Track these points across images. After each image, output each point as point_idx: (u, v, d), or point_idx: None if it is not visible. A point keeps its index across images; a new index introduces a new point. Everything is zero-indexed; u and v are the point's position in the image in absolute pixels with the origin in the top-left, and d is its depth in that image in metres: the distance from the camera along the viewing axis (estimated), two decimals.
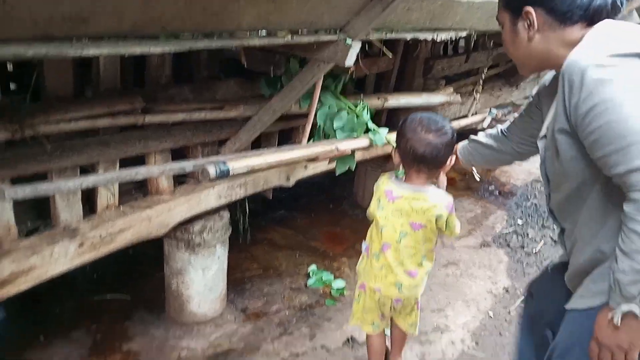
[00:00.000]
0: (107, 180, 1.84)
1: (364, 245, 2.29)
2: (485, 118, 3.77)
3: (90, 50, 1.36)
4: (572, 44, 1.42)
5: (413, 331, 2.38)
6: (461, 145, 2.20)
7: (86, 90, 2.11)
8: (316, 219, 4.21)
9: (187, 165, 1.93)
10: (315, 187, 4.80)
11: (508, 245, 4.01)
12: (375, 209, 2.15)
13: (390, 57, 2.88)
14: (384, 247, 2.13)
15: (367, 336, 2.44)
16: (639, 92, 1.27)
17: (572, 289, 1.62)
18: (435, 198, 2.05)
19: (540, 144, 1.61)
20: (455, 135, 2.06)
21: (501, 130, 2.04)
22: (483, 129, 4.55)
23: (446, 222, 2.07)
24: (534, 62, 1.55)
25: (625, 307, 1.33)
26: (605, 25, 1.43)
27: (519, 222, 4.40)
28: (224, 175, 1.91)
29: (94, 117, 1.97)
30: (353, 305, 2.40)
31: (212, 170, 1.86)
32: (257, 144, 2.97)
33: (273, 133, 2.95)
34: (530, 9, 1.45)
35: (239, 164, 1.99)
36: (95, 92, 2.13)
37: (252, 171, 2.11)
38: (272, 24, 1.86)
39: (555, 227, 1.72)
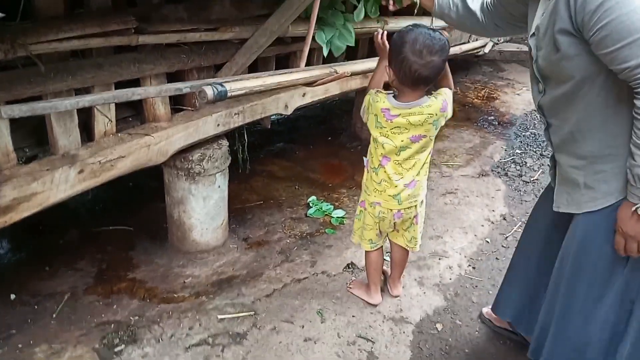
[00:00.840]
0: (104, 100, 1.80)
1: (365, 160, 2.29)
2: (487, 43, 3.68)
3: None
4: None
5: (413, 246, 2.42)
6: None
7: (77, 9, 2.02)
8: (315, 151, 4.20)
9: (183, 86, 1.89)
10: (313, 119, 4.76)
11: (506, 174, 4.03)
12: (372, 126, 2.13)
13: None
14: (383, 161, 2.15)
15: (366, 253, 2.50)
16: None
17: (567, 185, 1.68)
18: (429, 107, 2.03)
19: (531, 41, 1.60)
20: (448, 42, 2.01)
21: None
22: (484, 56, 4.49)
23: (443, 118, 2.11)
24: None
25: None
26: None
27: (518, 151, 4.39)
28: (221, 96, 1.86)
29: (87, 37, 1.90)
30: (354, 223, 2.48)
31: (209, 92, 1.82)
32: (254, 70, 2.91)
33: (270, 58, 2.88)
34: None
35: (236, 85, 1.94)
36: (87, 10, 2.04)
37: (248, 99, 2.06)
38: None
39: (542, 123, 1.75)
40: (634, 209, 1.47)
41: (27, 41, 1.75)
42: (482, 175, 4.00)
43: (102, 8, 2.03)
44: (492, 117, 4.99)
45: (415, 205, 2.27)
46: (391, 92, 2.12)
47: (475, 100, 5.37)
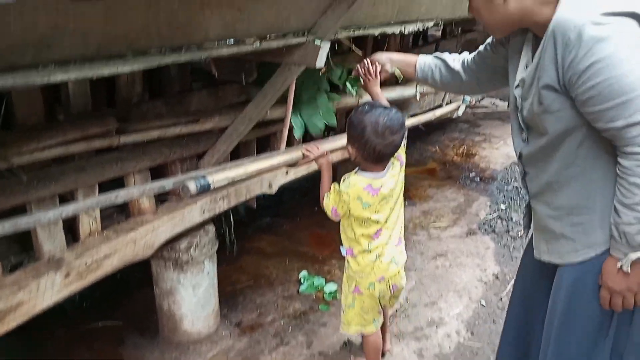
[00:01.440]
0: (87, 207, 1.80)
1: (343, 250, 2.28)
2: (459, 106, 3.80)
3: (58, 76, 1.33)
4: (549, 2, 1.44)
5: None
6: (423, 59, 2.11)
7: (58, 115, 2.06)
8: (302, 223, 4.19)
9: (167, 183, 1.91)
10: (297, 190, 4.78)
11: (494, 231, 4.05)
12: (358, 211, 2.12)
13: (360, 54, 2.87)
14: (376, 235, 2.15)
15: (367, 337, 2.42)
16: (637, 49, 1.33)
17: (544, 234, 1.69)
18: (395, 167, 2.17)
19: (516, 92, 1.63)
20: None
21: (467, 60, 2.02)
22: (459, 117, 4.62)
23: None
24: (510, 24, 1.54)
25: (634, 256, 1.43)
26: None
27: (502, 206, 4.44)
28: (205, 189, 1.88)
29: (68, 143, 1.92)
30: (346, 314, 2.38)
31: (192, 186, 1.84)
32: (236, 154, 2.95)
33: (251, 141, 2.93)
34: None
35: (219, 176, 1.97)
36: (67, 115, 2.08)
37: (232, 182, 2.08)
38: (239, 32, 1.85)
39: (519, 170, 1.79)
40: (619, 265, 1.47)
41: (7, 153, 1.77)
42: (470, 234, 4.02)
43: (81, 112, 2.07)
44: (474, 174, 5.07)
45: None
46: (355, 170, 2.17)
47: (455, 157, 5.47)
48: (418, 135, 5.63)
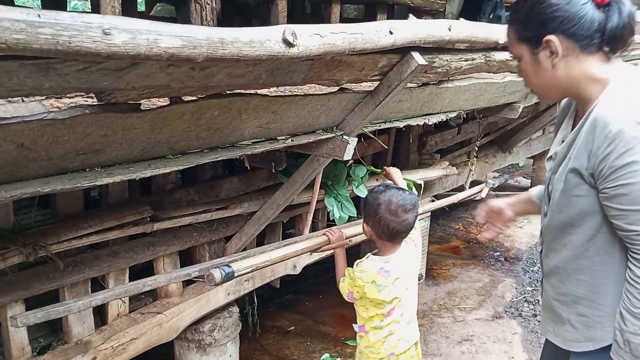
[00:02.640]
0: (116, 296, 1.86)
1: (356, 327, 2.28)
2: (482, 189, 3.83)
3: (104, 180, 1.42)
4: (596, 80, 1.45)
5: None
6: (535, 191, 1.96)
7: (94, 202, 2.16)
8: (324, 301, 4.17)
9: (192, 271, 1.96)
10: (320, 266, 4.78)
11: (520, 315, 3.96)
12: (374, 294, 2.14)
13: (386, 147, 2.98)
14: (389, 313, 2.17)
15: None
16: None
17: (551, 314, 1.66)
18: (410, 245, 2.21)
19: (548, 164, 1.63)
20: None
21: None
22: (483, 200, 4.64)
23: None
24: (558, 91, 1.55)
25: None
26: (627, 72, 1.47)
27: (529, 288, 4.36)
28: (229, 278, 1.92)
29: (104, 231, 2.01)
30: None
31: (217, 275, 1.88)
32: (262, 234, 3.01)
33: (277, 223, 2.99)
34: (551, 37, 1.44)
35: (243, 264, 2.01)
36: (105, 203, 2.18)
37: (256, 269, 2.12)
38: (273, 131, 1.95)
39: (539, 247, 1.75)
40: None
41: (47, 242, 1.85)
42: (496, 317, 3.93)
43: (118, 200, 2.17)
44: (498, 253, 5.02)
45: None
46: (367, 255, 2.21)
47: (479, 236, 5.43)
48: (441, 211, 5.63)
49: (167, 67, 1.27)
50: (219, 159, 1.75)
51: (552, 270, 1.65)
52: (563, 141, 1.58)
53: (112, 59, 1.09)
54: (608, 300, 1.49)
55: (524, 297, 4.20)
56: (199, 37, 1.17)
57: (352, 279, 2.17)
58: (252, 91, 1.69)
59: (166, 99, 1.53)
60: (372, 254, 2.20)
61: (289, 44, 1.40)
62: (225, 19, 2.26)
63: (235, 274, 2.04)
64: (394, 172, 2.45)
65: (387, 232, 2.10)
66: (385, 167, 2.38)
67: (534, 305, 4.10)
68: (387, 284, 2.13)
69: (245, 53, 1.29)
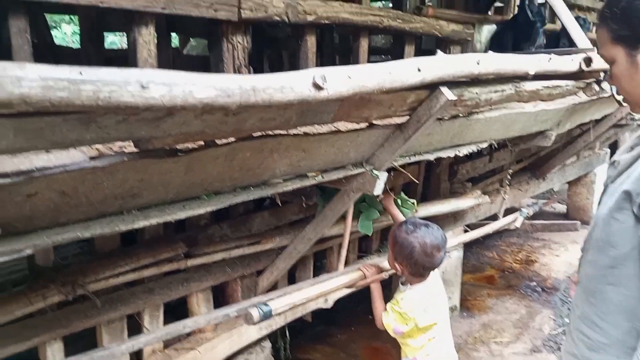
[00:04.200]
0: (157, 339, 1.88)
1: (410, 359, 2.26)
2: (517, 218, 3.77)
3: (141, 223, 1.46)
4: None
5: None
6: None
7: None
8: (356, 333, 4.12)
9: (231, 311, 1.97)
10: (352, 298, 4.74)
11: (559, 349, 3.82)
12: (426, 320, 2.17)
13: (416, 181, 2.98)
14: (436, 335, 2.20)
15: None
16: None
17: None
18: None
19: (609, 170, 1.51)
20: None
21: None
22: (517, 228, 4.55)
23: None
24: None
25: None
26: None
27: (567, 320, 4.21)
28: (267, 317, 1.93)
29: (140, 269, 2.05)
30: None
31: (255, 314, 1.89)
32: (293, 267, 3.01)
33: (308, 256, 2.99)
34: None
35: (280, 302, 2.02)
36: (141, 239, 2.23)
37: (293, 307, 2.13)
38: (304, 168, 1.97)
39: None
40: None
41: (85, 280, 1.90)
42: (534, 351, 3.82)
43: (154, 237, 2.22)
44: (534, 283, 4.89)
45: None
46: (403, 288, 2.23)
47: (514, 264, 5.32)
48: (474, 240, 5.55)
49: (202, 115, 1.31)
50: (251, 198, 1.78)
51: (579, 281, 1.57)
52: (632, 148, 1.45)
53: (149, 111, 1.13)
54: (616, 332, 1.40)
55: (563, 330, 4.06)
56: (232, 86, 1.21)
57: (401, 314, 2.19)
58: (283, 131, 1.72)
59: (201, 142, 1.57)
60: (403, 284, 2.24)
61: (319, 88, 1.42)
62: (255, 52, 2.32)
63: (273, 313, 2.05)
64: (390, 205, 2.56)
65: (422, 271, 2.18)
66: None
67: None
68: (433, 308, 2.19)
69: (276, 99, 1.32)
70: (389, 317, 2.22)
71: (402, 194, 2.35)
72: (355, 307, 4.54)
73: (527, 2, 3.93)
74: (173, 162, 1.45)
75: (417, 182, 3.01)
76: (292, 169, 1.91)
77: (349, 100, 1.71)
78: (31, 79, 0.94)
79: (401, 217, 2.57)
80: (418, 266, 2.15)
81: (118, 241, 2.12)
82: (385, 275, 2.45)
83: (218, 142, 1.53)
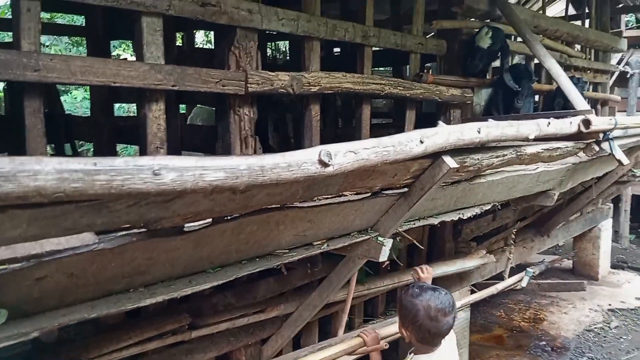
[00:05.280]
0: None
1: None
2: (522, 278, 3.74)
3: (147, 300, 1.45)
4: None
5: None
6: None
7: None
8: None
9: None
10: None
11: None
12: None
13: (421, 247, 2.97)
14: None
15: None
16: None
17: None
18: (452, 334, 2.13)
19: None
20: None
21: None
22: (523, 288, 4.50)
23: None
24: None
25: None
26: None
27: None
28: None
29: (144, 342, 2.02)
30: None
31: None
32: (298, 333, 2.96)
33: (314, 322, 2.95)
34: None
35: None
36: (145, 311, 2.20)
37: None
38: (309, 238, 1.98)
39: None
40: None
41: (89, 356, 1.87)
42: None
43: (158, 307, 2.19)
44: (544, 343, 4.78)
45: None
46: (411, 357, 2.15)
47: (522, 323, 5.21)
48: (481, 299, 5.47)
49: (211, 194, 1.33)
50: (257, 270, 1.77)
51: None
52: None
53: (160, 196, 1.15)
54: None
55: None
56: (241, 167, 1.23)
57: None
58: (290, 204, 1.74)
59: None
60: (415, 354, 2.15)
61: (325, 165, 1.45)
62: (260, 115, 2.36)
63: None
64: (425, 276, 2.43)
65: (428, 337, 2.07)
66: (415, 271, 2.37)
67: None
68: None
69: (284, 177, 1.34)
70: None
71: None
72: None
73: (505, 67, 3.92)
74: (181, 240, 1.47)
75: (422, 247, 2.99)
76: (297, 239, 1.92)
77: (354, 173, 1.74)
78: (47, 171, 0.96)
79: None
80: (423, 331, 2.05)
81: (123, 314, 2.09)
82: (384, 344, 2.39)
83: (226, 217, 1.55)
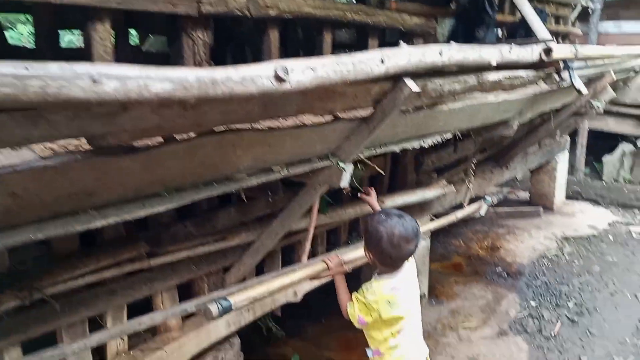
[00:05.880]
0: (111, 337, 1.82)
1: (370, 352, 2.25)
2: (481, 206, 3.83)
3: (97, 223, 1.41)
4: None
5: None
6: None
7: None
8: (327, 325, 4.11)
9: (189, 306, 1.93)
10: (322, 290, 4.74)
11: (525, 331, 3.91)
12: (388, 312, 2.12)
13: (382, 172, 2.96)
14: (402, 330, 2.16)
15: None
16: None
17: None
18: (411, 260, 2.23)
19: None
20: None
21: None
22: (481, 216, 4.63)
23: None
24: None
25: None
26: None
27: (532, 303, 4.32)
28: (226, 311, 1.90)
29: (101, 270, 1.98)
30: None
31: (214, 309, 1.86)
32: (261, 262, 2.98)
33: (276, 251, 2.97)
34: None
35: (240, 296, 1.99)
36: (101, 239, 2.16)
37: (255, 300, 2.10)
38: (268, 162, 1.94)
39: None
40: None
41: (43, 284, 1.82)
42: (501, 334, 3.89)
43: (114, 237, 2.15)
44: (500, 269, 4.99)
45: None
46: (373, 277, 2.20)
47: (480, 251, 5.41)
48: (441, 229, 5.62)
49: (159, 109, 1.26)
50: (215, 194, 1.73)
51: None
52: None
53: (102, 106, 1.08)
54: None
55: (529, 313, 4.16)
56: (189, 79, 1.17)
57: (365, 304, 2.16)
58: (246, 126, 1.68)
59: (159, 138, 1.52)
60: (378, 275, 2.19)
61: (281, 80, 1.39)
62: (218, 49, 2.27)
63: (233, 307, 2.02)
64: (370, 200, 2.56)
65: (390, 262, 2.13)
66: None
67: (538, 320, 4.06)
68: (399, 302, 2.14)
69: (237, 92, 1.28)
70: (354, 308, 2.20)
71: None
72: (326, 300, 4.54)
73: None
74: (130, 160, 1.40)
75: (384, 174, 3.00)
76: (256, 163, 1.88)
77: (313, 92, 1.69)
78: None
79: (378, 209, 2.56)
80: (385, 256, 2.10)
81: (77, 243, 2.04)
82: (347, 268, 2.43)
83: (177, 137, 1.48)
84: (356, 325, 2.23)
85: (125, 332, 1.87)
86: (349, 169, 2.19)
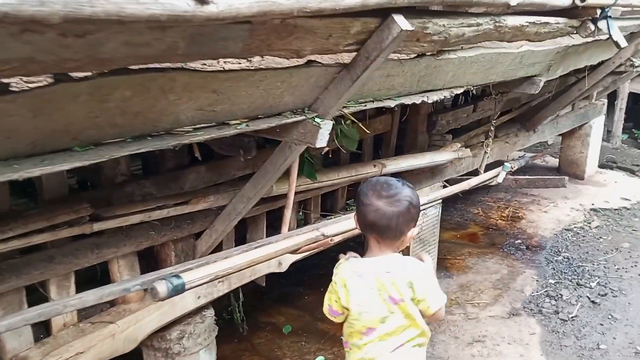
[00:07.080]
0: (26, 321, 1.55)
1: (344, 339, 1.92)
2: (499, 173, 3.44)
3: None
4: None
5: None
6: None
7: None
8: (324, 295, 3.85)
9: (131, 285, 1.65)
10: (323, 256, 4.47)
11: (540, 312, 3.57)
12: (345, 299, 1.73)
13: (367, 131, 2.58)
14: (366, 332, 1.73)
15: None
16: None
17: None
18: (401, 264, 1.72)
19: None
20: (416, 205, 1.71)
21: None
22: (499, 184, 4.22)
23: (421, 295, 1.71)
24: None
25: None
26: None
27: (551, 281, 3.95)
28: (178, 291, 1.62)
29: (31, 234, 1.72)
30: None
31: (162, 289, 1.58)
32: (244, 229, 2.70)
33: (260, 216, 2.67)
34: None
35: (197, 274, 1.70)
36: (40, 201, 1.89)
37: (215, 278, 1.81)
38: (221, 115, 1.61)
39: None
40: None
41: None
42: (513, 314, 3.56)
43: (55, 198, 1.87)
44: (519, 241, 4.61)
45: None
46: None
47: (499, 221, 5.02)
48: (459, 196, 5.24)
49: (22, 34, 0.94)
50: (145, 150, 1.42)
51: None
52: None
53: None
54: None
55: (546, 292, 3.81)
56: None
57: (331, 286, 1.81)
58: (178, 65, 1.35)
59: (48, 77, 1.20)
60: (353, 257, 1.84)
61: (202, 1, 1.05)
62: None
63: (187, 286, 1.73)
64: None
65: (363, 224, 1.70)
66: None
67: (556, 300, 3.71)
68: (359, 292, 1.70)
69: (129, 12, 0.94)
70: (326, 296, 1.85)
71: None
72: (326, 267, 4.27)
73: None
74: (10, 102, 1.09)
75: (367, 131, 2.62)
76: (204, 114, 1.55)
77: (265, 25, 1.34)
78: None
79: None
80: (359, 213, 1.70)
81: (7, 202, 1.78)
82: (332, 240, 2.11)
83: (74, 76, 1.16)
84: (328, 316, 1.87)
85: (47, 316, 1.59)
86: (326, 126, 1.83)
